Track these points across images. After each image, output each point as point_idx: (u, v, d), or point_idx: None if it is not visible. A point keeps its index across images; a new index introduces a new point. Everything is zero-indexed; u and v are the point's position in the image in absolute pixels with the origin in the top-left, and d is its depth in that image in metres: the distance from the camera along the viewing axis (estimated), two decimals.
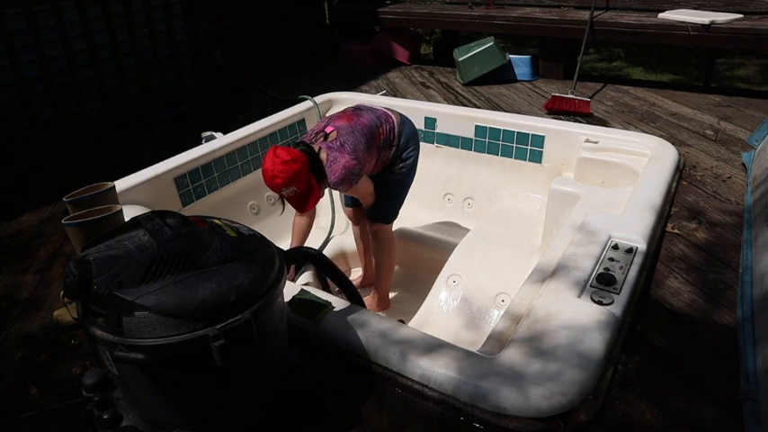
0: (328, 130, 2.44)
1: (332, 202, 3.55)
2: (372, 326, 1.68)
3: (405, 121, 2.65)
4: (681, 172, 2.78)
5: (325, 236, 3.50)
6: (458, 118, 3.44)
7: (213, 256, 1.20)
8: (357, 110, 2.60)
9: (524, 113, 3.67)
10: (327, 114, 3.80)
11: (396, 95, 4.22)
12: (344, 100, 3.86)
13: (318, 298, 1.80)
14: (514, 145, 3.29)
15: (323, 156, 2.36)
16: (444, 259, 2.93)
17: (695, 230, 2.28)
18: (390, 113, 2.63)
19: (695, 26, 3.95)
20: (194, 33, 4.37)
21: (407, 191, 2.77)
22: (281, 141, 3.50)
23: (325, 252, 3.26)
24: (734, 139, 3.18)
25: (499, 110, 3.81)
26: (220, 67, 4.69)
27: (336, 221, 3.54)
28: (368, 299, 2.97)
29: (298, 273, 3.00)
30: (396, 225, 3.07)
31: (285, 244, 3.27)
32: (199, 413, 1.29)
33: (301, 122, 3.65)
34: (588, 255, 1.96)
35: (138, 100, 4.01)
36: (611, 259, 1.94)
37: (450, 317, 2.68)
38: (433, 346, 1.59)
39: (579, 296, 1.76)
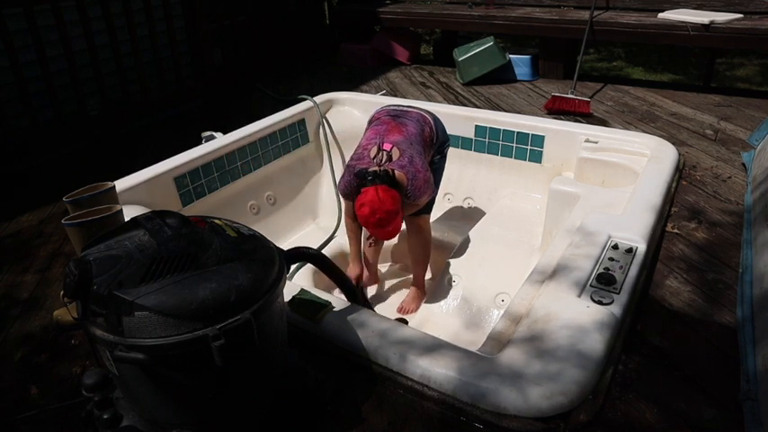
0: (387, 147, 2.44)
1: (338, 202, 3.55)
2: (372, 326, 1.68)
3: (434, 117, 2.78)
4: (681, 172, 2.78)
5: (327, 236, 3.50)
6: (458, 118, 3.44)
7: (213, 256, 1.20)
8: (397, 118, 2.64)
9: (524, 113, 3.67)
10: (327, 115, 3.80)
11: (396, 95, 4.22)
12: (344, 100, 3.86)
13: (318, 298, 1.80)
14: (514, 145, 3.29)
15: (401, 177, 2.37)
16: (444, 259, 2.93)
17: (695, 230, 2.28)
18: (424, 114, 2.74)
19: (695, 26, 3.95)
20: (194, 33, 4.37)
21: (441, 177, 2.91)
22: (281, 141, 3.50)
23: (325, 252, 3.26)
24: (734, 139, 3.18)
25: (499, 110, 3.81)
26: (220, 67, 4.70)
27: (342, 222, 3.55)
28: (411, 294, 2.98)
29: (296, 270, 3.01)
30: None
31: (285, 244, 3.27)
32: (199, 413, 1.29)
33: (301, 122, 3.65)
34: (588, 255, 1.96)
35: (138, 100, 4.01)
36: (611, 259, 1.94)
37: (450, 317, 2.68)
38: (433, 346, 1.59)
39: (579, 296, 1.76)
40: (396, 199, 2.28)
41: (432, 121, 2.72)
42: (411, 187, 2.39)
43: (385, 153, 2.43)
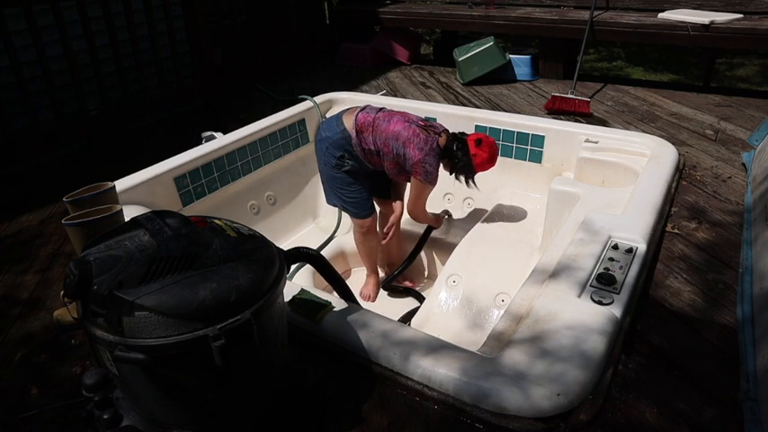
0: (422, 123, 2.74)
1: None
2: (373, 326, 1.68)
3: None
4: (681, 172, 2.78)
5: (327, 236, 3.50)
6: (458, 118, 3.44)
7: (213, 256, 1.20)
8: (387, 110, 2.82)
9: (524, 113, 3.67)
10: (327, 115, 3.80)
11: (396, 95, 4.22)
12: (344, 100, 3.86)
13: (319, 298, 1.80)
14: (514, 145, 3.29)
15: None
16: (444, 259, 2.93)
17: (695, 230, 2.28)
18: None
19: (695, 26, 3.95)
20: (194, 33, 4.36)
21: None
22: (281, 141, 3.50)
23: (324, 252, 3.26)
24: (734, 139, 3.18)
25: (499, 110, 3.81)
26: (220, 67, 4.70)
27: (342, 222, 3.55)
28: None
29: (296, 270, 3.02)
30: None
31: (285, 244, 3.28)
32: (199, 413, 1.29)
33: (301, 122, 3.65)
34: (588, 254, 1.96)
35: (138, 100, 4.01)
36: (611, 259, 1.94)
37: (450, 317, 2.68)
38: (434, 347, 1.59)
39: (579, 296, 1.76)
40: None
41: None
42: None
43: (430, 128, 2.73)
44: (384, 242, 3.11)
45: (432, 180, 2.76)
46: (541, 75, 4.67)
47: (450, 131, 2.80)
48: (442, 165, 2.79)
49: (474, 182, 2.85)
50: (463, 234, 3.06)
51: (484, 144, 2.72)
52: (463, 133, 2.80)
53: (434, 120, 3.49)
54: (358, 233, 3.02)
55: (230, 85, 4.66)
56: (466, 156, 2.73)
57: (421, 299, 3.10)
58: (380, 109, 2.82)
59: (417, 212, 2.94)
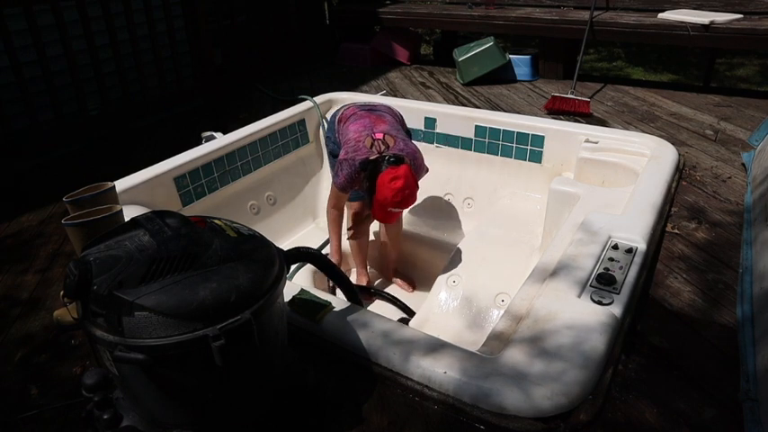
0: (379, 137, 2.59)
1: None
2: (373, 326, 1.68)
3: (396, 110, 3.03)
4: (681, 172, 2.78)
5: (327, 236, 3.50)
6: (458, 118, 3.44)
7: (213, 256, 1.20)
8: (372, 111, 2.83)
9: (524, 113, 3.67)
10: (327, 115, 3.80)
11: (396, 95, 4.22)
12: (344, 100, 3.86)
13: (318, 298, 1.80)
14: (514, 145, 3.29)
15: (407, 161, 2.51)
16: (444, 259, 2.93)
17: (695, 230, 2.28)
18: (389, 105, 3.00)
19: (695, 26, 3.95)
20: (194, 33, 4.37)
21: None
22: (281, 141, 3.50)
23: (325, 252, 3.26)
24: (734, 139, 3.18)
25: (499, 110, 3.81)
26: (220, 67, 4.69)
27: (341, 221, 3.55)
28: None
29: (296, 270, 3.02)
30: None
31: (285, 244, 3.28)
32: (199, 413, 1.29)
33: (301, 122, 3.65)
34: (588, 255, 1.96)
35: (138, 100, 4.01)
36: (611, 259, 1.94)
37: (450, 317, 2.68)
38: (434, 347, 1.59)
39: (579, 296, 1.76)
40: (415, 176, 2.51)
41: (398, 112, 2.99)
42: (414, 166, 2.54)
43: (380, 142, 2.57)
44: (346, 238, 3.09)
45: (336, 183, 2.65)
46: (541, 75, 4.67)
47: (396, 158, 2.45)
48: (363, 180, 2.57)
49: (377, 214, 2.56)
50: (463, 234, 3.06)
51: (395, 180, 2.37)
52: (401, 160, 2.45)
53: (435, 120, 3.51)
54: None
55: (230, 85, 4.66)
56: (372, 178, 2.47)
57: (404, 308, 3.01)
58: (371, 109, 2.86)
59: (328, 204, 2.91)
